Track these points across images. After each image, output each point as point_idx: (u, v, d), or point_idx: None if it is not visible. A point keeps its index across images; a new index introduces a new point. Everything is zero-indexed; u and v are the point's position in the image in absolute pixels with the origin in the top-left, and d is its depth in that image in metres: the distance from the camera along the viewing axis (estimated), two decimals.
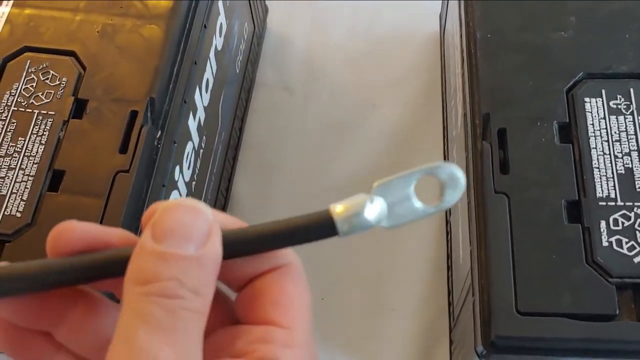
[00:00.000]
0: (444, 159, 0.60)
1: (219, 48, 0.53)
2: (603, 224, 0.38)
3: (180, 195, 0.46)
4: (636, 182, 0.39)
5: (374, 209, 0.24)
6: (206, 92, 0.50)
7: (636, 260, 0.37)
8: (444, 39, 0.64)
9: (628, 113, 0.40)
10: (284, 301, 0.24)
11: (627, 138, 0.40)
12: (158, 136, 0.42)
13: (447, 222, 0.57)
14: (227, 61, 0.56)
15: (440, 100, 0.64)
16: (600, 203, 0.38)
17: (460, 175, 0.24)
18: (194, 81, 0.47)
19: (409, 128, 0.63)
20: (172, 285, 0.21)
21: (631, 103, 0.41)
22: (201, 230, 0.22)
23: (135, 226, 0.39)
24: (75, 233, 0.23)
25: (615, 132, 0.40)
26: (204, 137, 0.51)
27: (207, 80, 0.50)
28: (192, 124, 0.47)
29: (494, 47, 0.43)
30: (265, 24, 0.69)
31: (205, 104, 0.50)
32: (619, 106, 0.41)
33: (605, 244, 0.37)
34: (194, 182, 0.49)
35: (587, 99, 0.41)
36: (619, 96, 0.41)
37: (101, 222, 0.38)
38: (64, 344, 0.25)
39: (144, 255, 0.22)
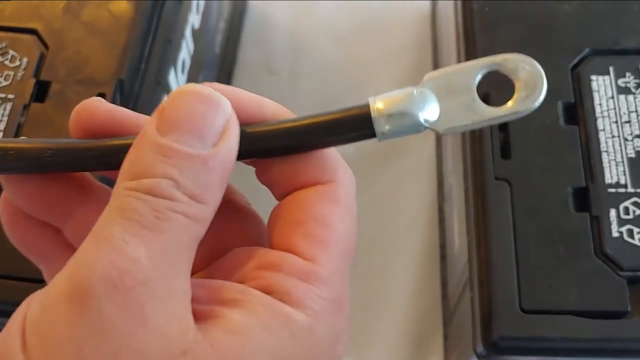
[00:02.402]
0: (436, 145, 0.57)
1: (197, 27, 0.49)
2: (613, 212, 0.35)
3: None
4: None
5: (424, 106, 0.19)
6: (182, 73, 0.47)
7: None
8: (437, 15, 0.61)
9: (638, 92, 0.37)
10: (310, 224, 0.20)
11: (638, 119, 0.37)
12: None
13: (440, 209, 0.54)
14: (206, 41, 0.52)
15: None
16: (610, 190, 0.35)
17: (540, 73, 0.19)
18: (169, 61, 0.43)
19: None
20: (164, 185, 0.18)
21: None
22: (215, 126, 0.19)
23: None
24: (98, 114, 0.21)
25: (624, 113, 0.37)
26: None
27: (184, 60, 0.47)
28: None
29: (492, 20, 0.40)
30: (246, 1, 0.66)
31: (182, 85, 0.47)
32: (628, 84, 0.38)
33: (615, 234, 0.34)
34: None
35: (593, 77, 0.38)
36: (627, 74, 0.38)
37: None
38: (73, 242, 0.23)
39: (142, 145, 0.19)
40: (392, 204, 0.56)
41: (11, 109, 0.37)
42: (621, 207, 0.35)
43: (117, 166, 0.19)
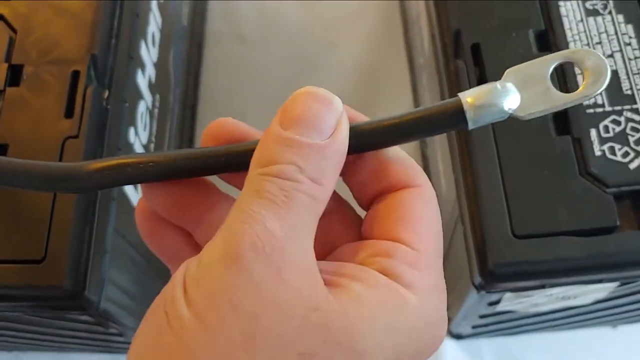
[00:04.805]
0: (413, 91, 0.57)
1: None
2: (593, 132, 0.35)
3: None
4: (622, 85, 0.36)
5: (506, 97, 0.22)
6: (153, 46, 0.46)
7: (632, 166, 0.34)
8: None
9: (606, 13, 0.38)
10: (413, 220, 0.23)
11: (608, 39, 0.37)
12: (106, 96, 0.38)
13: (423, 155, 0.54)
14: (172, 13, 0.52)
15: (401, 31, 0.61)
16: (588, 111, 0.36)
17: (604, 62, 0.22)
18: (138, 35, 0.43)
19: (371, 64, 0.60)
20: (290, 169, 0.21)
21: (608, 2, 0.38)
22: (329, 120, 0.22)
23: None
24: (226, 128, 0.24)
25: (595, 35, 0.37)
26: (157, 96, 0.47)
27: (153, 34, 0.46)
28: (142, 82, 0.44)
29: None
30: None
31: (154, 59, 0.47)
32: (596, 6, 0.38)
33: (597, 153, 0.35)
34: (152, 144, 0.46)
35: (561, 3, 0.38)
36: None
37: (55, 193, 0.35)
38: (202, 245, 0.25)
39: (268, 139, 0.22)
40: None
41: None
42: (601, 126, 0.35)
43: (242, 167, 0.22)
